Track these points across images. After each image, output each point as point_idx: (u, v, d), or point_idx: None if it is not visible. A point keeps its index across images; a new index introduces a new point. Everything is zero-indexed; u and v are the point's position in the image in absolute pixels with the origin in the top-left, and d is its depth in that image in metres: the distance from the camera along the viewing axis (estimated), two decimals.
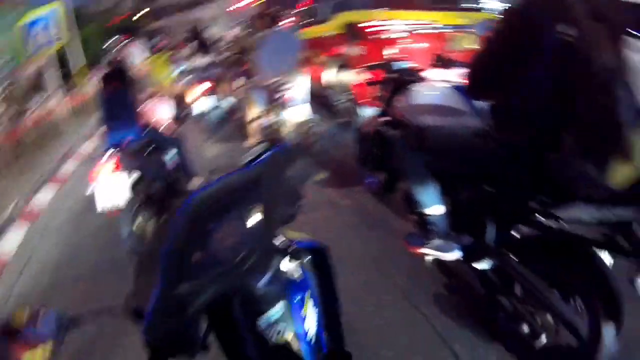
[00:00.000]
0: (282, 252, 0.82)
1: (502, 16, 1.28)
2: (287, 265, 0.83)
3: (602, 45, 1.05)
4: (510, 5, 1.25)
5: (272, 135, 3.56)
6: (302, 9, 5.79)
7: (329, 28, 4.59)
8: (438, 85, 1.95)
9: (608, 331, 1.23)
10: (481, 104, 1.56)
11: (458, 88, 1.73)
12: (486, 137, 1.38)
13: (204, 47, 4.93)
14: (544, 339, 1.43)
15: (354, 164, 2.86)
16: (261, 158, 0.78)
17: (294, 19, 5.65)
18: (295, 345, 0.83)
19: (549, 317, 1.43)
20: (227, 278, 0.64)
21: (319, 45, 4.78)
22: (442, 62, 2.18)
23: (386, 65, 2.27)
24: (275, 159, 0.77)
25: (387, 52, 3.47)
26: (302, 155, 0.83)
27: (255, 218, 0.68)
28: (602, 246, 1.24)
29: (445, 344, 1.66)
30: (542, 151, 1.18)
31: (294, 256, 0.84)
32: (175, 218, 0.64)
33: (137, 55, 6.76)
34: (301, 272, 0.87)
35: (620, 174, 1.07)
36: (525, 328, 1.48)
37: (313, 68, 5.11)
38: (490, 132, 1.38)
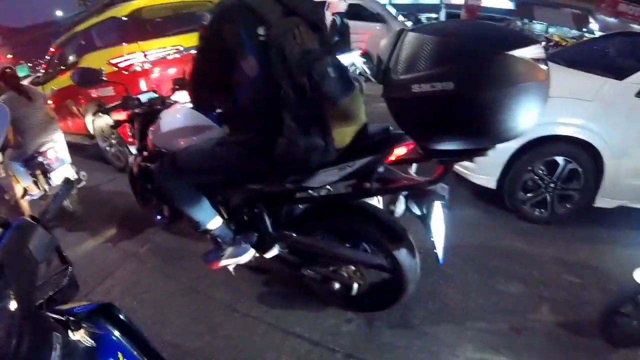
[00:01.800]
0: (62, 325, 0.78)
1: (202, 33, 1.33)
2: (76, 336, 0.78)
3: (297, 35, 1.21)
4: (206, 21, 1.30)
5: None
6: (50, 57, 5.09)
7: None
8: (180, 108, 1.99)
9: (401, 253, 1.48)
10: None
11: None
12: (224, 143, 1.48)
13: None
14: (356, 286, 1.66)
15: (137, 209, 2.71)
16: None
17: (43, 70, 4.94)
18: None
19: (351, 267, 1.68)
20: None
21: (72, 93, 4.27)
22: (180, 84, 2.23)
23: (132, 101, 2.17)
24: (10, 241, 0.73)
25: (139, 85, 3.38)
26: (36, 227, 0.77)
27: (12, 305, 0.65)
28: (355, 196, 1.47)
29: (287, 332, 1.79)
30: (271, 140, 1.29)
31: (76, 325, 0.79)
32: None
33: None
34: (94, 337, 0.82)
35: (340, 136, 1.28)
36: (337, 285, 1.69)
37: (72, 119, 4.58)
38: (227, 138, 1.49)
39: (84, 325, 0.81)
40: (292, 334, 1.77)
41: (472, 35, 0.99)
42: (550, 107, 1.03)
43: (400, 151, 1.34)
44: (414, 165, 1.52)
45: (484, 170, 2.53)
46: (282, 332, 1.79)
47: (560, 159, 2.29)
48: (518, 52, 0.90)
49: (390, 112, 1.13)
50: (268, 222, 1.64)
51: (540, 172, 2.36)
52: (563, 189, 2.35)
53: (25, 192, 3.19)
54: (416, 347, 1.66)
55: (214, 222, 1.68)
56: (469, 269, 2.07)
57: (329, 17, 4.78)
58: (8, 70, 3.27)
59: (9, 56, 28.67)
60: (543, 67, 0.93)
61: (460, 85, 0.92)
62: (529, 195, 2.44)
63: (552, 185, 2.37)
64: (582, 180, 2.29)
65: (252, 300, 2.00)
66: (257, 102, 1.33)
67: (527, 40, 0.94)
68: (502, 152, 2.34)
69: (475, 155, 1.15)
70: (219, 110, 1.50)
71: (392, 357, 1.63)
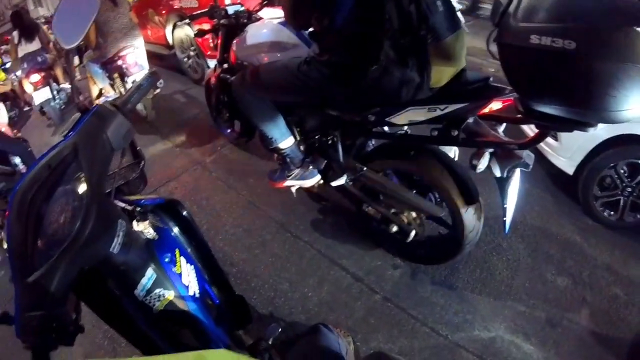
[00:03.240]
0: (127, 214, 0.80)
1: None
2: (140, 226, 0.81)
3: None
4: None
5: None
6: None
7: None
8: (268, 23, 1.94)
9: (467, 212, 1.44)
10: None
11: (285, 23, 1.74)
12: (312, 62, 1.43)
13: (28, 32, 4.13)
14: (413, 233, 1.64)
15: (208, 120, 2.80)
16: (75, 127, 0.74)
17: None
18: (181, 305, 0.83)
19: (413, 214, 1.66)
20: (72, 252, 0.62)
21: (154, 3, 4.34)
22: (269, 0, 2.16)
23: (218, 11, 2.15)
24: (88, 125, 0.73)
25: None
26: (115, 114, 0.76)
27: (82, 188, 0.67)
28: (438, 141, 1.41)
29: (333, 262, 1.84)
30: (364, 65, 1.24)
31: (142, 216, 0.82)
32: (7, 215, 0.63)
33: None
34: (156, 231, 0.85)
35: (437, 75, 1.21)
36: (395, 228, 1.68)
37: (152, 28, 4.68)
38: (315, 58, 1.42)
39: (149, 217, 0.83)
40: (337, 265, 1.82)
41: None
42: None
43: (496, 105, 1.25)
44: (502, 126, 1.42)
45: (566, 153, 2.32)
46: (328, 261, 1.85)
47: None
48: None
49: (499, 59, 1.05)
50: (340, 150, 1.62)
51: (622, 172, 2.13)
52: (639, 197, 2.13)
53: (101, 93, 3.38)
54: (452, 310, 1.65)
55: (287, 142, 1.69)
56: (523, 248, 1.98)
57: None
58: None
59: None
60: None
61: (582, 47, 0.85)
62: (603, 192, 2.24)
63: (629, 189, 2.14)
64: None
65: (306, 224, 2.06)
66: (356, 23, 1.25)
67: None
68: (590, 138, 2.12)
69: (577, 128, 1.06)
70: (311, 29, 1.44)
71: (427, 312, 1.64)
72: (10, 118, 4.28)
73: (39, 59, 4.17)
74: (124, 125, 0.76)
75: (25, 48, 4.19)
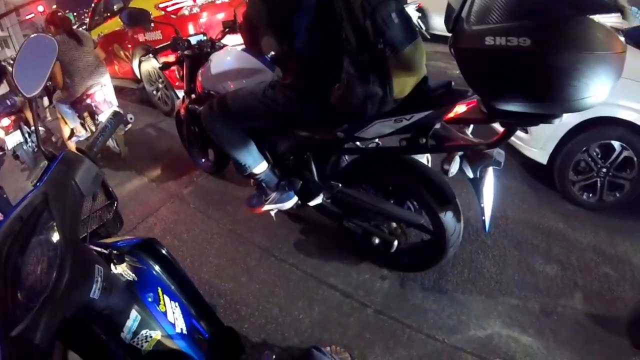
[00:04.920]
0: (104, 258, 0.79)
1: None
2: (118, 269, 0.80)
3: None
4: None
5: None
6: (95, 4, 5.17)
7: None
8: (232, 50, 1.96)
9: (446, 216, 1.45)
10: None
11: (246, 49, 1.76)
12: (276, 86, 1.45)
13: None
14: (396, 243, 1.64)
15: (182, 151, 2.78)
16: (44, 175, 0.73)
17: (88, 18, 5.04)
18: (170, 344, 0.81)
19: (393, 224, 1.67)
20: (52, 303, 0.60)
21: (119, 38, 4.34)
22: (230, 27, 2.18)
23: (181, 43, 2.16)
24: (56, 173, 0.73)
25: (188, 29, 3.34)
26: (82, 160, 0.77)
27: (56, 237, 0.65)
28: (408, 151, 1.42)
29: (321, 282, 1.82)
30: (327, 85, 1.26)
31: (119, 259, 0.80)
32: None
33: None
34: (135, 272, 0.84)
35: (400, 86, 1.21)
36: (377, 240, 1.68)
37: (119, 63, 4.67)
38: (280, 82, 1.44)
39: (126, 259, 0.82)
40: (325, 284, 1.81)
41: None
42: (614, 87, 0.94)
43: (460, 109, 1.27)
44: (470, 127, 1.44)
45: (537, 144, 2.39)
46: (316, 281, 1.83)
47: (616, 144, 2.12)
48: (599, 18, 0.83)
49: (457, 64, 1.06)
50: (314, 170, 1.63)
51: (595, 154, 2.20)
52: (615, 176, 2.19)
53: (73, 133, 3.33)
54: (446, 314, 1.65)
55: (261, 167, 1.69)
56: (508, 243, 2.01)
57: None
58: (59, 14, 3.32)
59: (54, 7, 29.57)
60: (621, 38, 0.86)
61: (537, 42, 0.85)
62: (579, 177, 2.30)
63: (604, 170, 2.21)
64: (636, 170, 2.12)
65: (289, 247, 2.04)
66: (315, 45, 1.27)
67: (609, 6, 0.85)
68: (559, 126, 2.18)
69: (541, 121, 1.08)
70: (272, 53, 1.45)
71: (421, 319, 1.63)
72: None
73: (8, 102, 4.04)
74: (92, 170, 0.77)
75: None
